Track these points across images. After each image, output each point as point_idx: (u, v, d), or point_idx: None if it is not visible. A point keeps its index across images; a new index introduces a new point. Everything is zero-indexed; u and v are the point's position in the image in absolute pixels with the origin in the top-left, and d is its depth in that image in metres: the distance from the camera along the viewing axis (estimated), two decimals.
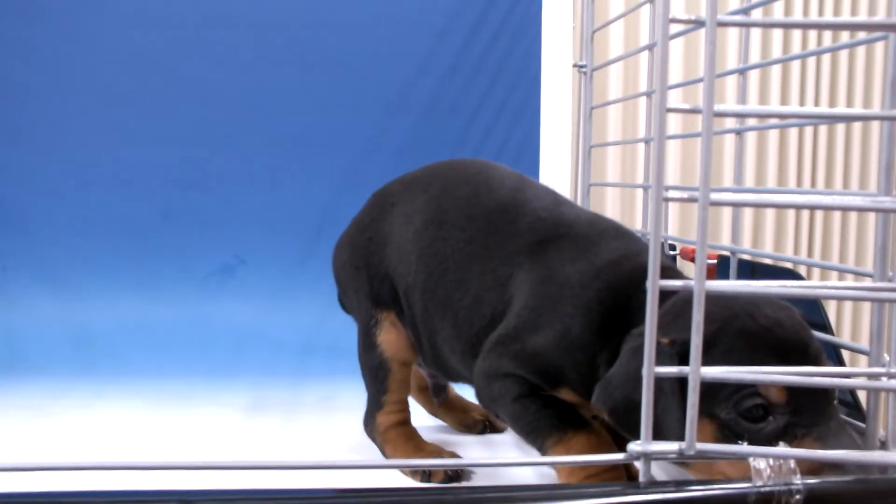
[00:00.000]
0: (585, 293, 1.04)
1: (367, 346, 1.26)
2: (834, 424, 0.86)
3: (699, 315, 0.77)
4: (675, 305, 0.96)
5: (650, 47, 1.51)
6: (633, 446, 0.79)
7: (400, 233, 1.24)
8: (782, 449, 0.79)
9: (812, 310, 1.15)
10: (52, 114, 1.96)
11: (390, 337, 1.25)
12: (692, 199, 0.77)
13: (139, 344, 1.87)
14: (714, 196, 0.77)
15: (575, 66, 1.87)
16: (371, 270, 1.26)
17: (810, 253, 3.28)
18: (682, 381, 0.86)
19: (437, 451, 1.22)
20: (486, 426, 1.41)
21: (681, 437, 0.79)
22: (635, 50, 1.57)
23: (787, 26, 0.75)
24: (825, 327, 1.16)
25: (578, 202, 1.86)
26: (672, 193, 0.78)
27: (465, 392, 1.41)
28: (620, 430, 0.95)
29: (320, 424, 1.45)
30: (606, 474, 0.99)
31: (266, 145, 1.98)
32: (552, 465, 1.02)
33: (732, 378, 0.80)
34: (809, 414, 0.86)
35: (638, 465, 0.80)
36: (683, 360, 0.85)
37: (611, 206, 3.02)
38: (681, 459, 0.79)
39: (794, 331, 0.90)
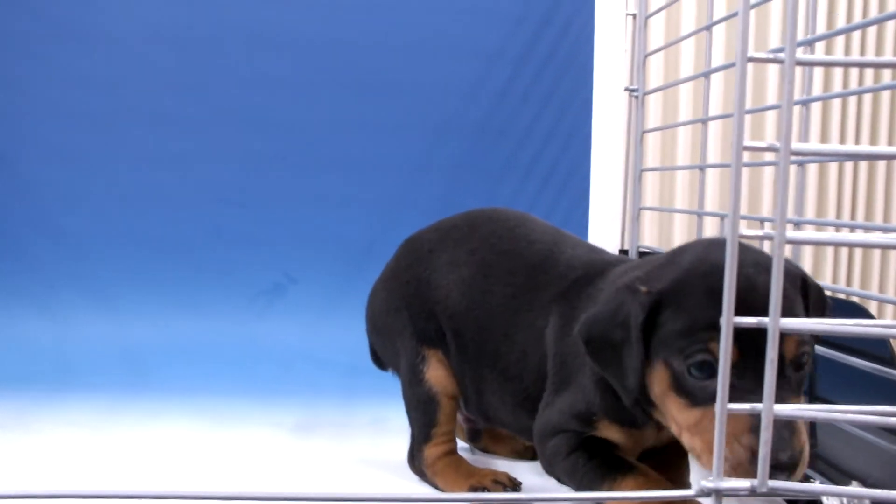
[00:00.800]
0: None
1: (415, 381, 1.26)
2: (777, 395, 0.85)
3: (773, 352, 0.77)
4: (670, 257, 1.00)
5: (707, 74, 1.51)
6: (705, 483, 0.78)
7: (446, 279, 1.26)
8: (855, 489, 0.79)
9: (880, 345, 1.14)
10: (103, 134, 1.98)
11: (438, 373, 1.26)
12: (767, 237, 0.77)
13: (188, 362, 1.88)
14: (791, 234, 0.76)
15: (626, 89, 1.87)
16: (413, 310, 1.27)
17: (862, 283, 3.24)
18: (645, 331, 0.93)
19: (491, 474, 1.22)
20: (535, 452, 1.40)
21: (634, 385, 0.92)
22: (691, 76, 1.57)
23: (864, 65, 0.75)
24: (892, 361, 1.15)
25: (627, 226, 1.86)
26: (746, 231, 0.78)
27: None
28: (594, 363, 1.00)
29: (372, 448, 1.45)
30: None
31: (316, 166, 1.99)
32: (618, 499, 1.02)
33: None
34: (752, 379, 0.86)
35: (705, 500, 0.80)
36: (654, 309, 0.92)
37: (648, 231, 3.01)
38: (753, 496, 0.79)
39: (765, 296, 0.88)
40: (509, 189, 1.97)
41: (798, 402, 0.89)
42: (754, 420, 0.84)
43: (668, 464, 1.13)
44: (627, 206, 1.83)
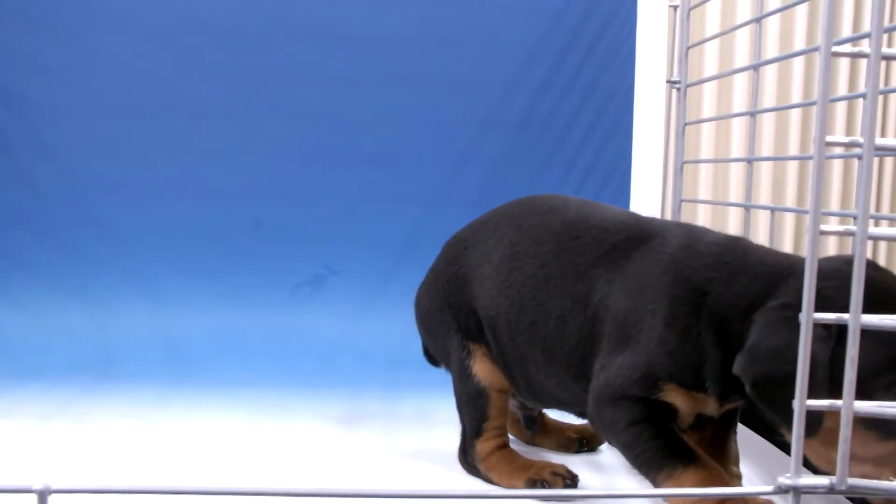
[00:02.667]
0: (664, 281, 1.06)
1: (463, 377, 1.27)
2: None
3: (854, 350, 0.76)
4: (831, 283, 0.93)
5: (756, 67, 1.49)
6: (783, 479, 0.78)
7: (478, 271, 1.26)
8: None
9: None
10: (147, 125, 1.99)
11: (485, 366, 1.26)
12: (849, 233, 0.77)
13: (230, 353, 1.89)
14: (873, 231, 0.76)
15: (668, 82, 1.86)
16: (455, 308, 1.29)
17: None
18: (833, 359, 0.87)
19: (549, 465, 1.21)
20: (582, 444, 1.40)
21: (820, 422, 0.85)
22: (733, 70, 1.56)
23: None
24: None
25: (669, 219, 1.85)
26: (827, 227, 0.77)
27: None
28: (760, 403, 0.95)
29: (421, 441, 1.45)
30: None
31: (358, 158, 1.99)
32: (685, 496, 1.01)
33: (887, 413, 0.78)
34: None
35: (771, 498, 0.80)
36: (840, 340, 0.86)
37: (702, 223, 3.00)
38: (831, 493, 0.78)
39: None
40: (551, 183, 1.96)
41: None
42: None
43: (715, 445, 1.13)
44: (668, 199, 1.82)
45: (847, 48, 0.75)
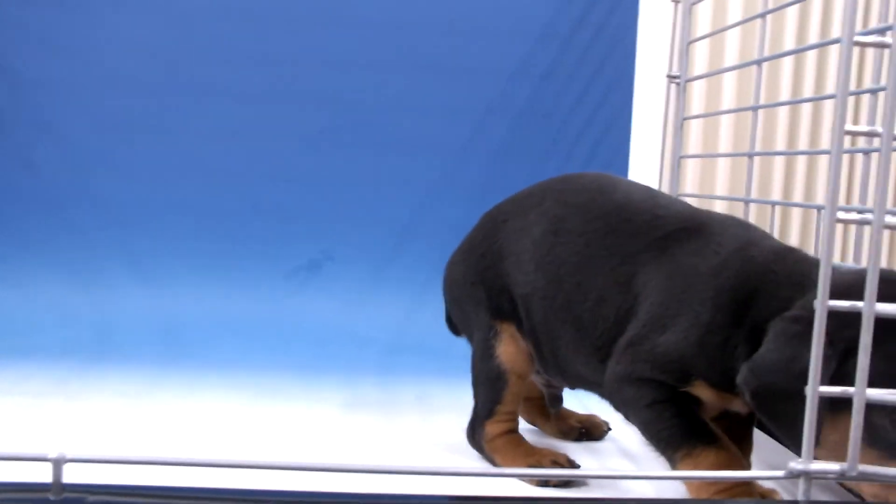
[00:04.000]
0: (713, 282, 1.04)
1: (486, 356, 1.26)
2: None
3: (867, 336, 0.77)
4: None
5: (759, 62, 1.50)
6: (794, 464, 0.79)
7: (516, 246, 1.24)
8: None
9: None
10: (145, 106, 1.98)
11: (510, 349, 1.25)
12: (865, 222, 0.77)
13: (226, 335, 1.89)
14: (889, 220, 0.76)
15: (668, 76, 1.86)
16: (488, 284, 1.27)
17: None
18: (836, 376, 0.85)
19: (551, 454, 1.21)
20: (582, 433, 1.41)
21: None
22: (738, 65, 1.56)
23: None
24: None
25: None
26: (843, 215, 0.78)
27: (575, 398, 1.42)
28: (760, 415, 0.95)
29: (419, 424, 1.45)
30: (737, 489, 0.99)
31: (357, 143, 1.99)
32: (691, 479, 1.02)
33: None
34: None
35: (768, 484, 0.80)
36: (842, 360, 0.85)
37: None
38: (842, 480, 0.79)
39: None
40: (551, 171, 1.91)
41: None
42: None
43: (735, 434, 1.13)
44: (665, 192, 1.83)
45: (871, 38, 0.76)
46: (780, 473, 0.80)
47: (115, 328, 1.89)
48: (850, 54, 0.75)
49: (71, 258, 1.97)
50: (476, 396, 1.28)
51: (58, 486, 0.74)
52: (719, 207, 2.97)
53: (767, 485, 1.03)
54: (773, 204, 1.50)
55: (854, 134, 0.76)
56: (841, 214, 0.78)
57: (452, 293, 1.35)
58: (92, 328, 1.89)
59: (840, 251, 2.51)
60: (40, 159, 1.97)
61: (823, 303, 0.77)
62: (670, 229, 1.12)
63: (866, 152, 1.26)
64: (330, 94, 1.98)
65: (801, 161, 2.91)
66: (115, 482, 0.77)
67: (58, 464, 0.74)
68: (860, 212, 1.03)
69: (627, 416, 1.12)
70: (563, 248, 1.19)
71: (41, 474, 0.75)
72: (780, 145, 2.71)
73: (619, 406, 1.12)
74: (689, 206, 1.20)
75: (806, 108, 2.82)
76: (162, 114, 1.98)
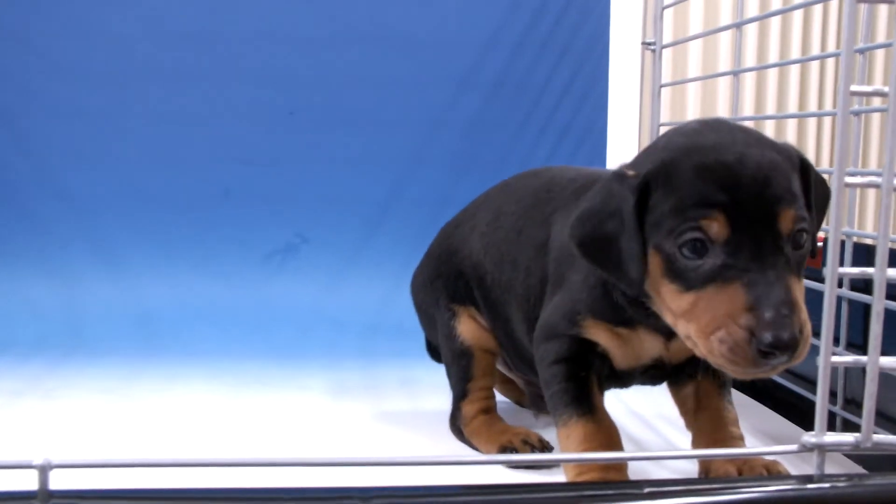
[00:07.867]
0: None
1: (448, 337, 1.27)
2: (771, 273, 0.81)
3: (879, 304, 0.75)
4: (657, 141, 0.96)
5: (739, 25, 1.48)
6: (807, 437, 0.76)
7: (469, 241, 1.27)
8: None
9: None
10: (110, 91, 1.92)
11: (469, 326, 1.26)
12: (874, 185, 0.75)
13: (203, 324, 1.85)
14: None
15: (643, 43, 1.83)
16: (444, 276, 1.29)
17: None
18: (640, 215, 0.88)
19: (523, 433, 1.19)
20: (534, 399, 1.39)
21: (638, 274, 0.88)
22: (715, 29, 1.54)
23: None
24: None
25: None
26: (851, 179, 0.76)
27: None
28: (588, 262, 0.95)
29: (405, 409, 1.43)
30: (602, 473, 0.96)
31: (328, 123, 1.94)
32: (691, 457, 1.00)
33: None
34: (746, 257, 0.82)
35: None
36: (642, 193, 0.88)
37: None
38: (855, 451, 0.77)
39: (757, 169, 0.84)
40: (526, 144, 1.94)
41: (799, 284, 0.84)
42: (750, 298, 0.81)
43: (703, 405, 1.10)
44: None
45: None
46: (794, 448, 0.77)
47: (87, 322, 1.84)
48: (854, 11, 0.73)
49: (38, 252, 1.91)
50: (450, 381, 1.29)
51: (44, 493, 0.70)
52: None
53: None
54: None
55: (859, 94, 0.73)
56: (851, 179, 0.76)
57: (417, 300, 1.37)
58: (63, 323, 1.83)
59: None
60: (0, 150, 1.90)
61: (834, 269, 0.74)
62: (574, 188, 1.12)
63: (871, 112, 1.23)
64: (296, 73, 1.93)
65: (791, 125, 2.90)
66: (102, 485, 0.73)
67: (43, 470, 0.70)
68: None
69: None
70: (501, 231, 1.21)
71: (25, 481, 0.71)
72: (770, 110, 2.71)
73: (538, 368, 1.09)
74: (609, 170, 1.19)
75: (794, 72, 2.81)
76: (124, 101, 1.92)
